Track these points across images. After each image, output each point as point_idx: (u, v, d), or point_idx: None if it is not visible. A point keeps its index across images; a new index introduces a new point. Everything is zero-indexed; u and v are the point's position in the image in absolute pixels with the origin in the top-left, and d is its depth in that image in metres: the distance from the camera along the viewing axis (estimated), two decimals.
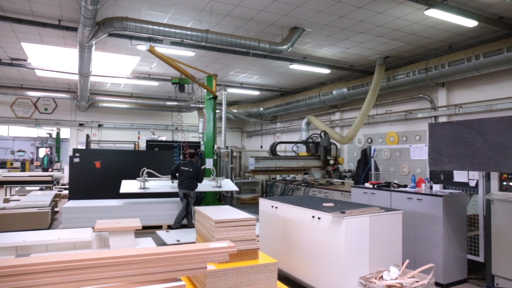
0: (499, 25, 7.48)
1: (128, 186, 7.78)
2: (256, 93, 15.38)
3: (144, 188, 7.65)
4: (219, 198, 10.84)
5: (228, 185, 8.78)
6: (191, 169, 7.65)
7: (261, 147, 18.83)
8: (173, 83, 9.76)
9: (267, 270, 2.96)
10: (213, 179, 8.64)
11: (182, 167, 7.74)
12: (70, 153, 9.73)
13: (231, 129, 20.21)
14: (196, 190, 7.90)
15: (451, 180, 5.44)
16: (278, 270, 3.27)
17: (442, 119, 10.19)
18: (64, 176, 14.40)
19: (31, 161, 12.07)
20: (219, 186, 8.53)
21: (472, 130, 4.31)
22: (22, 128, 19.37)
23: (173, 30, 7.38)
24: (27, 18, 7.71)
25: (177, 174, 7.92)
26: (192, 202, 7.72)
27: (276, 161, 9.96)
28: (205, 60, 10.82)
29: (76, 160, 8.62)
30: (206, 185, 8.46)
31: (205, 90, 10.94)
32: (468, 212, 5.03)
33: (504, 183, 4.56)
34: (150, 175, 7.85)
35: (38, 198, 7.93)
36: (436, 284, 4.23)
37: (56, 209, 8.86)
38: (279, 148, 11.56)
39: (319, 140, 10.58)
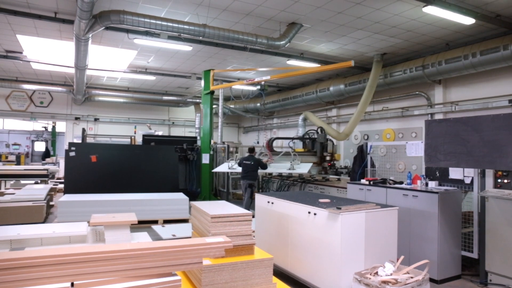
0: (496, 23, 7.50)
1: (220, 168, 9.60)
2: (253, 88, 15.32)
3: (232, 168, 9.00)
4: (215, 193, 10.86)
5: (303, 167, 8.73)
6: (252, 163, 8.43)
7: (258, 142, 18.82)
8: (262, 90, 10.80)
9: (263, 266, 2.97)
10: (291, 162, 8.67)
11: (244, 161, 8.54)
12: (66, 147, 9.68)
13: (228, 124, 20.18)
14: (273, 171, 8.97)
15: (447, 177, 5.47)
16: (274, 266, 3.27)
17: (438, 116, 10.21)
18: (60, 170, 14.33)
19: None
20: (293, 169, 8.60)
21: (468, 127, 4.32)
22: (17, 121, 19.21)
23: (170, 24, 7.34)
24: (23, 10, 7.62)
25: None
26: (255, 190, 8.62)
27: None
28: (202, 55, 10.77)
29: (72, 154, 8.57)
30: (281, 167, 8.75)
31: (202, 85, 10.94)
32: (463, 209, 5.06)
33: (499, 180, 4.60)
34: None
35: (33, 192, 7.88)
36: (431, 280, 4.26)
37: (51, 203, 8.81)
38: (275, 143, 11.55)
39: (315, 136, 10.57)
